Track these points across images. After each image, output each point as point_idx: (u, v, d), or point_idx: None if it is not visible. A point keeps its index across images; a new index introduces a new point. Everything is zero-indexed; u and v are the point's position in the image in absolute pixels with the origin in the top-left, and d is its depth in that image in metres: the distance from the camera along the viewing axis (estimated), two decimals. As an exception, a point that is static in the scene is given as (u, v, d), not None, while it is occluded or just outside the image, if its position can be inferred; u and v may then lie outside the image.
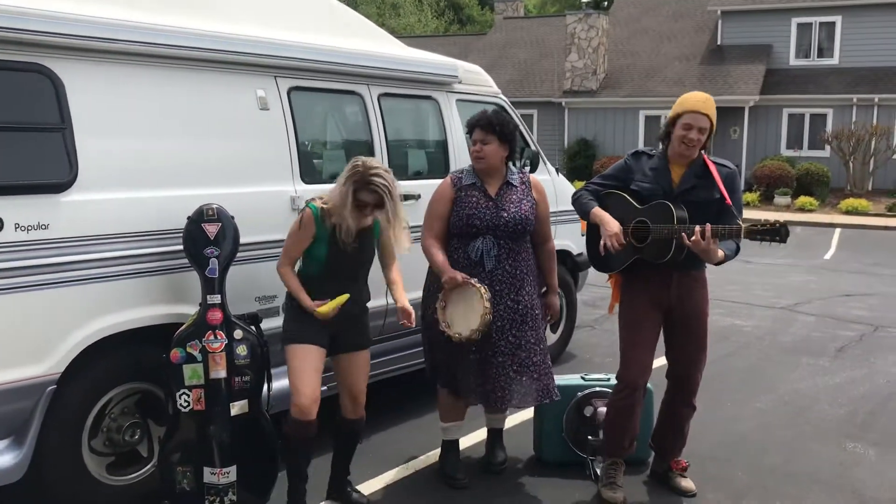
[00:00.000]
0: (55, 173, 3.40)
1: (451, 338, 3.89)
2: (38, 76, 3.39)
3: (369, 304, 4.61)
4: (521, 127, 6.01)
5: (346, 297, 3.63)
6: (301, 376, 3.62)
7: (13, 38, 3.27)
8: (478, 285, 3.85)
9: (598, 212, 3.96)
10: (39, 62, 3.38)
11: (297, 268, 3.75)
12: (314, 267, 3.71)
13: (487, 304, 3.80)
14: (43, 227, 3.32)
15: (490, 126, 4.02)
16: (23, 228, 3.26)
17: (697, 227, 3.63)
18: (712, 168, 3.89)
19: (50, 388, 3.38)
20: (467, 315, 3.86)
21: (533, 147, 6.05)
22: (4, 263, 3.20)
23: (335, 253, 3.64)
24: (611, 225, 3.87)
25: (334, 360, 3.84)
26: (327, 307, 3.59)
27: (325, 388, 3.83)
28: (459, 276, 3.89)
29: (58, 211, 3.37)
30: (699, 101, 3.84)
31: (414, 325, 3.91)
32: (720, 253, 3.70)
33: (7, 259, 3.21)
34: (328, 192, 3.66)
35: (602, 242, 3.86)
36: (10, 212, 3.22)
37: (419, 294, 4.27)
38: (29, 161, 3.34)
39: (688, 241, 3.65)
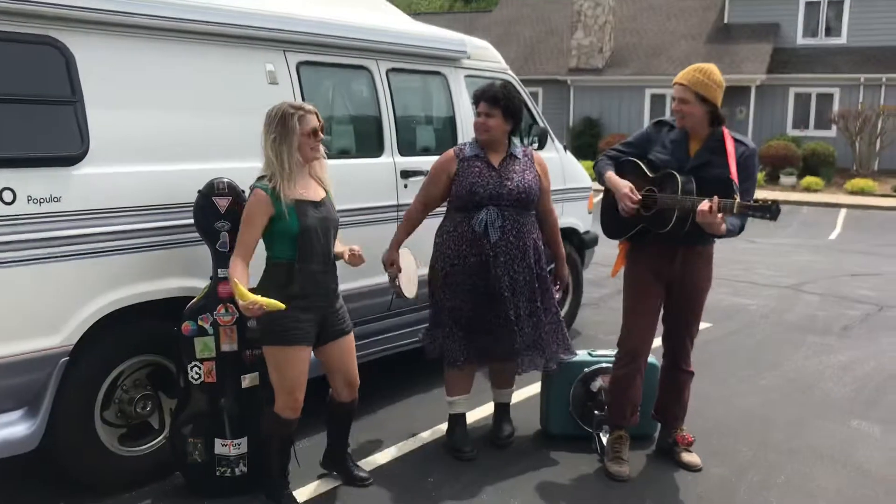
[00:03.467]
0: (67, 146, 3.40)
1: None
2: (48, 48, 3.38)
3: (376, 282, 4.66)
4: (530, 104, 6.01)
5: (281, 305, 3.30)
6: (294, 383, 3.51)
7: (21, 10, 3.25)
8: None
9: (610, 175, 4.01)
10: (49, 34, 3.37)
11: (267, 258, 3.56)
12: (288, 248, 3.46)
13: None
14: (55, 199, 3.32)
15: (495, 100, 4.07)
16: (35, 201, 3.26)
17: (706, 200, 3.62)
18: (729, 145, 3.85)
19: (63, 359, 3.41)
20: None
21: (541, 124, 6.04)
22: (17, 235, 3.21)
23: (305, 225, 3.43)
24: (621, 185, 3.91)
25: (321, 350, 3.67)
26: (258, 298, 3.22)
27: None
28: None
29: (70, 184, 3.38)
30: (682, 72, 3.90)
31: (364, 261, 3.68)
32: (723, 227, 3.69)
33: (20, 231, 3.22)
34: (264, 168, 3.48)
35: (620, 207, 3.92)
36: (23, 184, 3.23)
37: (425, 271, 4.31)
38: (41, 134, 3.35)
39: (706, 210, 3.59)
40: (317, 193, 3.55)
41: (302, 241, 3.44)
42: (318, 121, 3.51)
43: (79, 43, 3.46)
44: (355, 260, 3.61)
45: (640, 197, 3.86)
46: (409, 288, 4.26)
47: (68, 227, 3.37)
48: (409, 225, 4.27)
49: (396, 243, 4.25)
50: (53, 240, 3.32)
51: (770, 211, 3.53)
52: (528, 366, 4.20)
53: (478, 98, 4.14)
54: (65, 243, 3.36)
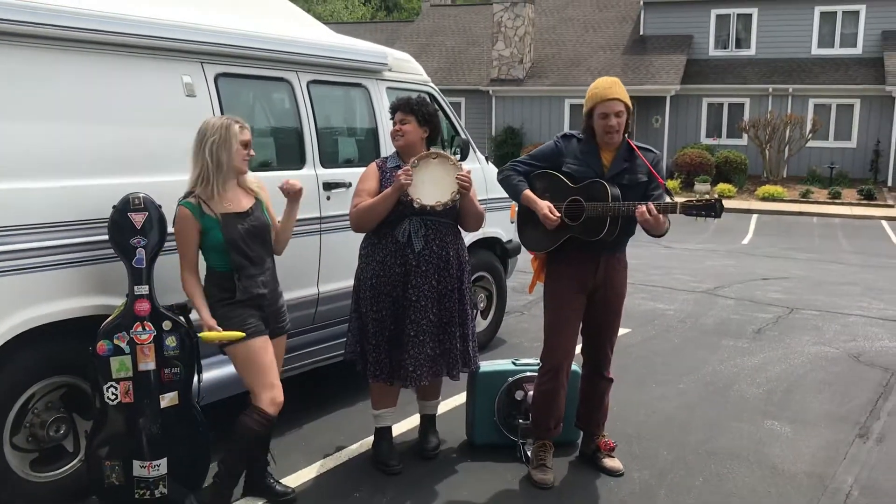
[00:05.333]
0: (-29, 161, 3.27)
1: (422, 206, 3.93)
2: (-51, 60, 3.25)
3: (299, 294, 4.61)
4: (452, 115, 6.05)
5: (240, 334, 3.53)
6: (271, 373, 3.61)
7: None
8: (453, 158, 3.99)
9: (528, 195, 4.04)
10: (-49, 45, 3.25)
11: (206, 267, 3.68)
12: (218, 259, 3.61)
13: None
14: (-41, 217, 3.20)
15: (409, 106, 4.14)
16: (-63, 219, 3.13)
17: (640, 205, 3.76)
18: (638, 152, 4.02)
19: (-31, 384, 3.27)
20: (437, 187, 3.95)
21: (463, 136, 6.09)
22: (-82, 255, 3.07)
23: (230, 237, 3.56)
24: (541, 205, 3.95)
25: None
26: (217, 335, 3.49)
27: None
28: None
29: (-26, 201, 3.24)
30: (607, 88, 3.94)
31: (297, 187, 3.88)
32: (665, 226, 3.85)
33: (-79, 251, 3.08)
34: (192, 181, 3.60)
35: (544, 221, 3.95)
36: (-76, 202, 3.09)
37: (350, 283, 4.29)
38: (-57, 149, 3.22)
39: (645, 212, 3.74)
40: (243, 204, 3.66)
41: (231, 253, 3.58)
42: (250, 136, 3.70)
43: (-18, 54, 3.33)
44: (290, 188, 3.85)
45: (559, 214, 3.93)
46: (426, 193, 3.96)
47: (-27, 245, 3.23)
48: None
49: (393, 190, 3.96)
50: (-43, 259, 3.19)
51: (714, 209, 3.70)
52: (428, 376, 4.13)
53: (394, 109, 4.20)
54: (-31, 263, 3.22)
